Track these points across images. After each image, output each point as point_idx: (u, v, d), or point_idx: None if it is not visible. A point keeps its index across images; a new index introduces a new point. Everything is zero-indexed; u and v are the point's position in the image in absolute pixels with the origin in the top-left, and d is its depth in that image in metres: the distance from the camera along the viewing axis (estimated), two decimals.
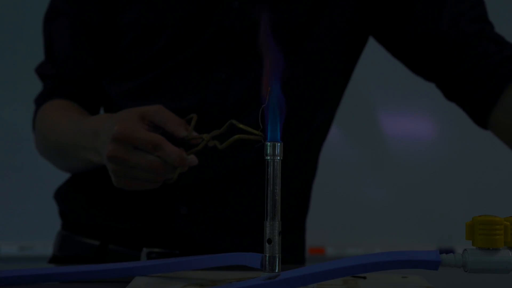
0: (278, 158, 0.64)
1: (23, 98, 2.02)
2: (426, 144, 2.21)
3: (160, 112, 0.84)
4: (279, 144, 0.64)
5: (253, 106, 1.00)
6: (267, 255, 0.64)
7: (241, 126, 0.74)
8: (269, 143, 0.64)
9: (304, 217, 1.14)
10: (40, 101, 1.10)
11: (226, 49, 1.01)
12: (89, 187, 1.09)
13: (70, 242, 1.08)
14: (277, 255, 0.64)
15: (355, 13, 1.04)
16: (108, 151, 0.82)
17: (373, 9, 1.05)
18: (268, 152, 0.64)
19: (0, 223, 2.09)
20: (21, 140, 2.07)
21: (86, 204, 1.09)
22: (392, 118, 2.23)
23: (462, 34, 1.01)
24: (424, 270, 0.61)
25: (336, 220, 2.14)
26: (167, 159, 0.80)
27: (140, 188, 0.86)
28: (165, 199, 1.01)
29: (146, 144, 0.81)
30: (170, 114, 0.84)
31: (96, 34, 1.07)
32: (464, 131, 1.72)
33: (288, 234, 1.08)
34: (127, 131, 0.81)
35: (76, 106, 1.07)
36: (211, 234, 1.04)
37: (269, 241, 0.64)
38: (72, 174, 1.12)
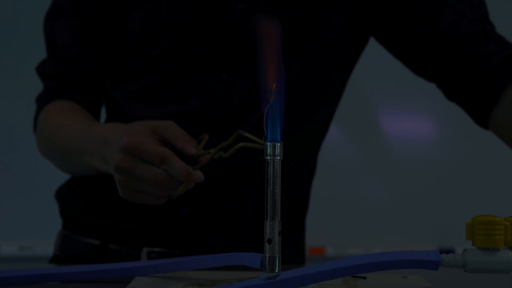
0: (278, 158, 0.64)
1: (22, 97, 2.02)
2: (426, 144, 2.21)
3: (171, 128, 0.84)
4: (279, 144, 0.64)
5: (257, 107, 1.00)
6: (267, 255, 0.64)
7: (246, 135, 0.75)
8: (269, 143, 0.64)
9: (304, 216, 1.14)
10: (42, 101, 1.10)
11: (230, 51, 1.01)
12: (90, 187, 1.09)
13: (70, 242, 1.08)
14: (277, 255, 0.64)
15: (357, 13, 1.04)
16: (116, 161, 0.82)
17: (375, 9, 1.05)
18: (268, 152, 0.64)
19: (0, 223, 2.09)
20: (20, 140, 2.06)
21: (87, 204, 1.09)
22: (392, 118, 2.23)
23: (463, 34, 1.01)
24: (424, 270, 0.61)
25: (336, 220, 2.14)
26: (173, 173, 0.80)
27: (145, 202, 0.86)
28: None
29: (154, 157, 0.80)
30: (181, 131, 0.84)
31: (100, 34, 1.07)
32: (464, 131, 1.72)
33: (288, 233, 1.08)
34: (136, 142, 0.81)
35: (82, 110, 1.06)
36: (212, 234, 1.04)
37: (269, 241, 0.64)
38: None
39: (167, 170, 0.80)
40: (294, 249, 1.12)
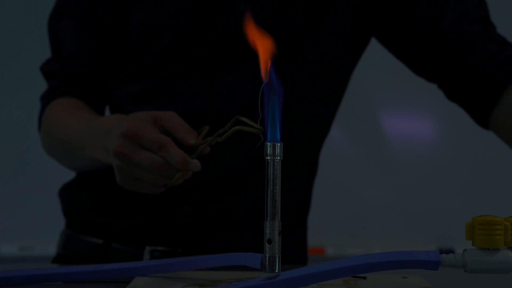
0: (278, 158, 0.64)
1: (22, 97, 2.03)
2: (426, 144, 2.21)
3: (173, 119, 0.84)
4: (279, 144, 0.64)
5: (259, 108, 1.00)
6: (267, 255, 0.64)
7: (243, 119, 0.75)
8: (269, 143, 0.64)
9: (306, 216, 1.14)
10: (46, 99, 1.10)
11: (232, 52, 1.01)
12: (94, 186, 1.09)
13: (73, 241, 1.09)
14: (277, 255, 0.64)
15: (358, 14, 1.04)
16: (115, 146, 0.83)
17: (376, 10, 1.05)
18: (268, 152, 0.64)
19: (0, 223, 2.09)
20: (20, 140, 2.07)
21: (90, 203, 1.09)
22: (392, 118, 2.23)
23: (464, 34, 1.01)
24: (424, 270, 0.61)
25: (336, 220, 2.14)
26: (170, 160, 0.80)
27: (141, 190, 0.86)
28: (169, 198, 1.01)
29: (152, 143, 0.81)
30: (182, 122, 0.84)
31: (104, 33, 1.07)
32: (465, 131, 1.72)
33: (290, 233, 1.09)
34: (136, 128, 0.82)
35: (85, 106, 1.07)
36: (215, 233, 1.04)
37: (269, 241, 0.64)
38: (76, 173, 1.13)
39: (165, 157, 0.81)
40: (296, 249, 1.12)
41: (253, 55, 0.72)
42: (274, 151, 0.64)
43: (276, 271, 0.64)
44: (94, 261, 1.02)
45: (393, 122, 2.22)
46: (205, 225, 1.04)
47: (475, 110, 1.03)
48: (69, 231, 1.10)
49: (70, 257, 1.08)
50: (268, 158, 0.64)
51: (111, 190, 1.00)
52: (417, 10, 1.03)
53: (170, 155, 0.80)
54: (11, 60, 2.11)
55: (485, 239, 0.60)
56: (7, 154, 2.11)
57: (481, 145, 2.04)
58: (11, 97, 2.11)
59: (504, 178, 2.16)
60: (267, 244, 0.64)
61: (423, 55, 1.05)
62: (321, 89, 1.06)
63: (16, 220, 2.10)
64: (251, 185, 1.04)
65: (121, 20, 1.05)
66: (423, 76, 1.08)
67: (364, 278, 0.75)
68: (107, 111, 1.14)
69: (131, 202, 1.03)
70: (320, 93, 1.07)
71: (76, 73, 1.09)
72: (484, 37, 1.01)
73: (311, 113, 1.07)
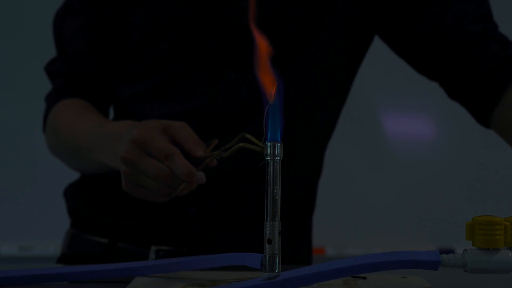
0: (278, 158, 0.64)
1: (21, 97, 2.03)
2: (426, 144, 2.21)
3: (183, 129, 0.84)
4: (279, 144, 0.64)
5: (262, 106, 1.00)
6: (267, 255, 0.64)
7: (248, 136, 0.75)
8: (269, 143, 0.64)
9: (310, 216, 1.15)
10: (52, 99, 1.10)
11: (235, 50, 1.01)
12: (99, 186, 1.09)
13: (79, 240, 1.09)
14: (277, 255, 0.64)
15: (360, 13, 1.05)
16: (123, 152, 0.83)
17: (378, 9, 1.05)
18: (268, 152, 0.64)
19: (0, 223, 2.09)
20: (21, 140, 2.06)
21: (96, 202, 1.09)
22: (393, 118, 2.23)
23: (465, 33, 1.02)
24: (424, 270, 0.61)
25: (336, 220, 2.14)
26: (176, 170, 0.80)
27: (146, 197, 0.86)
28: (174, 198, 1.01)
29: (160, 152, 0.81)
30: (192, 133, 0.84)
31: (109, 33, 1.08)
32: (465, 131, 1.72)
33: (294, 233, 1.09)
34: (145, 136, 0.82)
35: (93, 108, 1.07)
36: (220, 233, 1.04)
37: (269, 241, 0.64)
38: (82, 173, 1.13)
39: (171, 167, 0.81)
40: (300, 249, 1.12)
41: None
42: (274, 151, 0.64)
43: (276, 271, 0.64)
44: (100, 260, 1.03)
45: (393, 122, 2.22)
46: (210, 225, 1.04)
47: (476, 109, 1.03)
48: (74, 231, 1.10)
49: (76, 256, 1.09)
50: (268, 158, 0.64)
51: (116, 190, 1.00)
52: (418, 8, 1.03)
53: (176, 165, 0.80)
54: (8, 61, 2.11)
55: (485, 239, 0.60)
56: (7, 155, 2.11)
57: (482, 144, 2.04)
58: (10, 98, 2.11)
59: (504, 178, 2.16)
60: (267, 244, 0.64)
61: (425, 53, 1.05)
62: (323, 89, 1.06)
63: (16, 220, 2.10)
64: (255, 185, 1.04)
65: (126, 19, 1.06)
66: (425, 74, 1.08)
67: (364, 278, 0.75)
68: (110, 112, 1.14)
69: (136, 202, 1.03)
70: (322, 93, 1.07)
71: (82, 73, 1.09)
72: (485, 36, 1.02)
73: (315, 113, 1.07)
